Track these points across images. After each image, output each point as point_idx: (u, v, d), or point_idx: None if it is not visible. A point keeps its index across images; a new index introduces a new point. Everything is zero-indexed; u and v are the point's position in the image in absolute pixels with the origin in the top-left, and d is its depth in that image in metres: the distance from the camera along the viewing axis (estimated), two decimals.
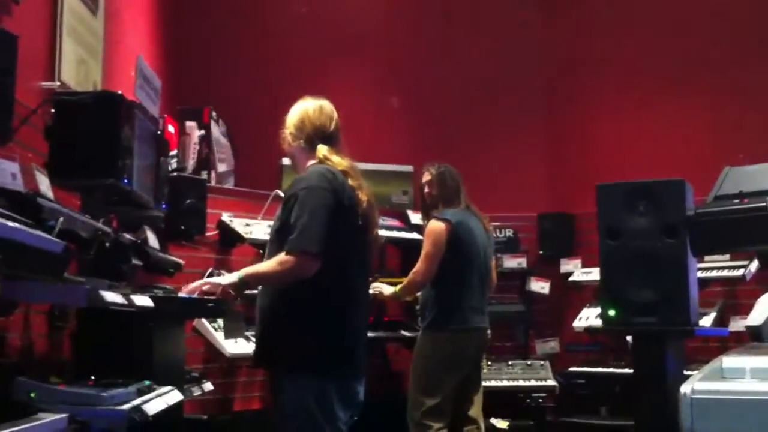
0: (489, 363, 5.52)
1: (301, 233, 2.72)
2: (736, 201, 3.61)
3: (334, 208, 2.79)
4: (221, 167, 5.39)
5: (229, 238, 4.93)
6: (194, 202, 4.26)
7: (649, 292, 3.72)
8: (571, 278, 5.88)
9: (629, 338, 4.61)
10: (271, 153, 4.32)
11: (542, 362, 5.69)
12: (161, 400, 2.55)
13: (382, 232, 3.76)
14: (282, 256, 2.74)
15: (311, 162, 2.96)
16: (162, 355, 2.96)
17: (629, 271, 3.77)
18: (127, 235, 3.07)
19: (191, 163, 5.02)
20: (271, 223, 3.07)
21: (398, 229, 5.64)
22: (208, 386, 4.09)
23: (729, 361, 2.28)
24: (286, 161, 4.77)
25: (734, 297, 5.32)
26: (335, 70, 6.30)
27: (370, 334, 3.85)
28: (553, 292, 6.06)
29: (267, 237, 3.19)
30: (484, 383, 4.55)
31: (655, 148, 5.89)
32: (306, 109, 3.03)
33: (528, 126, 6.58)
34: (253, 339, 3.02)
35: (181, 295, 2.89)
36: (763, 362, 2.25)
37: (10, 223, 1.69)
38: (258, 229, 4.91)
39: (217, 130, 5.35)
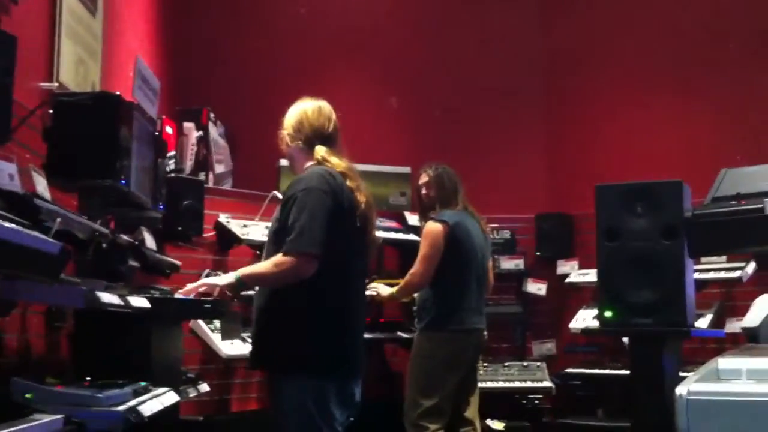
0: (485, 364, 5.52)
1: (300, 234, 2.72)
2: (734, 202, 3.61)
3: (333, 210, 2.78)
4: (219, 168, 5.39)
5: (227, 239, 4.93)
6: (192, 203, 4.25)
7: (647, 293, 3.73)
8: (568, 280, 5.89)
9: (626, 339, 4.63)
10: (269, 154, 4.32)
11: (539, 363, 5.68)
12: (157, 401, 2.55)
13: (380, 234, 3.76)
14: (280, 257, 2.74)
15: (309, 163, 2.96)
16: (159, 356, 2.96)
17: (627, 272, 3.78)
18: (125, 236, 3.07)
19: (189, 164, 5.03)
20: (269, 224, 3.07)
21: (396, 231, 5.64)
22: (205, 387, 4.09)
23: (725, 362, 2.29)
24: (284, 162, 4.77)
25: (731, 298, 5.33)
26: (333, 71, 6.30)
27: (367, 335, 3.86)
28: (550, 294, 6.06)
29: (264, 238, 3.19)
30: (480, 384, 4.56)
31: (653, 149, 5.89)
32: (304, 109, 3.02)
33: (526, 127, 6.58)
34: (250, 340, 3.01)
35: (177, 296, 2.89)
36: (759, 364, 2.25)
37: (7, 224, 1.69)
38: (255, 230, 4.91)
39: (215, 131, 5.35)
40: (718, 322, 5.14)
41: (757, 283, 4.97)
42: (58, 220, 2.11)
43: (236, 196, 5.23)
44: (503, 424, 5.37)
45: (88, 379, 2.52)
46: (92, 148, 2.74)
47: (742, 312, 4.07)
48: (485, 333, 4.46)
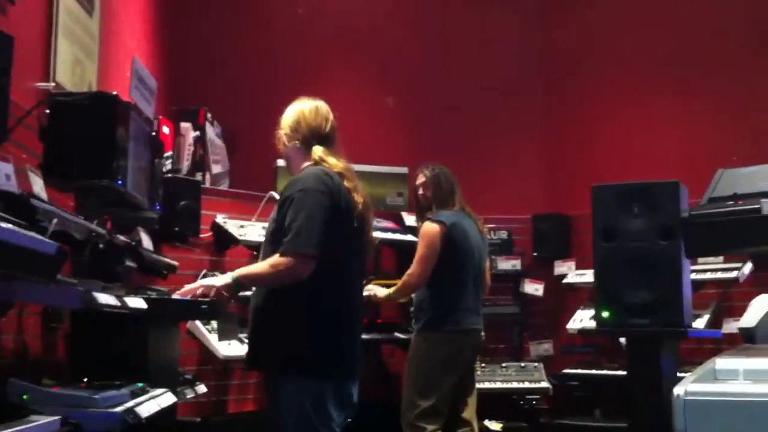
0: (483, 365, 5.52)
1: (297, 235, 2.71)
2: (730, 203, 3.61)
3: (330, 210, 2.78)
4: (216, 168, 5.39)
5: (224, 239, 4.93)
6: (189, 203, 4.25)
7: (644, 293, 3.73)
8: (565, 280, 5.89)
9: (623, 340, 4.63)
10: (266, 155, 4.33)
11: (536, 364, 5.69)
12: (154, 402, 2.55)
13: (377, 234, 3.76)
14: (277, 258, 2.74)
15: (307, 163, 2.96)
16: (156, 357, 2.96)
17: (624, 272, 3.78)
18: (121, 237, 3.07)
19: (186, 164, 5.02)
20: (266, 224, 3.06)
21: (393, 231, 5.64)
22: (202, 388, 4.09)
23: (722, 362, 2.29)
24: (281, 163, 4.77)
25: (728, 299, 5.33)
26: (331, 71, 6.29)
27: (364, 336, 3.86)
28: (547, 294, 6.06)
29: (261, 239, 3.19)
30: (477, 385, 4.56)
31: (650, 149, 5.89)
32: (302, 109, 3.02)
33: (524, 127, 6.58)
34: (247, 341, 3.01)
35: (174, 297, 2.89)
36: (756, 364, 2.25)
37: (4, 224, 1.68)
38: (252, 230, 4.91)
39: (212, 132, 5.34)
40: (715, 323, 5.15)
41: (753, 283, 4.97)
42: (55, 220, 2.11)
43: (233, 197, 5.23)
44: (501, 425, 5.37)
45: (85, 380, 2.51)
46: (89, 148, 2.73)
47: (739, 312, 4.07)
48: (482, 333, 4.46)
